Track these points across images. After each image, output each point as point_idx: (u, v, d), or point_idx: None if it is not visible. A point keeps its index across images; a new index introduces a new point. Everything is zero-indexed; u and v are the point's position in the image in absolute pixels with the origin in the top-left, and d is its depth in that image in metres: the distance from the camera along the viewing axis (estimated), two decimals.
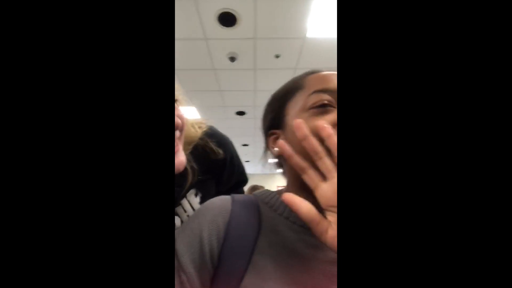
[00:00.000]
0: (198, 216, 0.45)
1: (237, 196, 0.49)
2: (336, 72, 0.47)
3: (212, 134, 0.62)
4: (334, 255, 0.41)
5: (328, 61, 2.70)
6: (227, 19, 2.14)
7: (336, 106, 0.42)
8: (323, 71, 0.49)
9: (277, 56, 2.68)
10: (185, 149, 0.53)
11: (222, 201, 0.47)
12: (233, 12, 2.08)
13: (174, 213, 0.57)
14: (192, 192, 0.60)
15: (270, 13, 2.12)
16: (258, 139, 5.18)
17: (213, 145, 0.61)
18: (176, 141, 0.48)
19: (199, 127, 0.60)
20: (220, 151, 0.62)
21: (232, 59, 2.68)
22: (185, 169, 0.53)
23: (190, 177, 0.56)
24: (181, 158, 0.48)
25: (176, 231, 0.45)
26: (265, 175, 8.18)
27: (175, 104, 0.49)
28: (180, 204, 0.59)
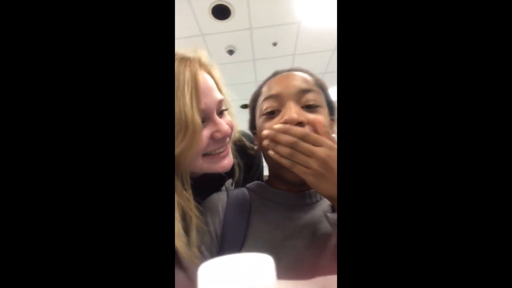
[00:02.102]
0: (202, 207, 0.53)
1: (231, 189, 0.60)
2: (288, 73, 0.56)
3: (244, 133, 0.68)
4: (311, 222, 0.50)
5: (324, 44, 2.69)
6: (221, 12, 2.15)
7: (280, 109, 0.51)
8: (280, 74, 0.58)
9: (274, 44, 2.68)
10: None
11: (219, 194, 0.57)
12: (226, 4, 2.09)
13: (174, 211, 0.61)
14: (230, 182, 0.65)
15: (263, 1, 2.11)
16: None
17: (247, 142, 0.67)
18: (226, 145, 0.53)
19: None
20: (254, 147, 0.66)
21: (231, 52, 2.69)
22: (233, 166, 0.58)
23: (237, 173, 0.62)
24: (230, 159, 0.54)
25: None
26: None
27: (225, 113, 0.54)
28: None
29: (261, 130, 0.51)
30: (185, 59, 0.49)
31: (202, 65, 0.51)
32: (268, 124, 0.51)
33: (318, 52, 2.82)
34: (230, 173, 0.59)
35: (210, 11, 2.14)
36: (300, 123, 0.47)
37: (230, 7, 2.13)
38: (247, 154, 0.66)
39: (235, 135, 0.63)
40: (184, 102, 0.44)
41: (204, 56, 0.53)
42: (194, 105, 0.45)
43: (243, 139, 0.66)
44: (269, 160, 0.53)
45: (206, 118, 0.49)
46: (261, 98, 0.55)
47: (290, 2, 2.16)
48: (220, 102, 0.51)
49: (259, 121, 0.55)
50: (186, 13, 2.12)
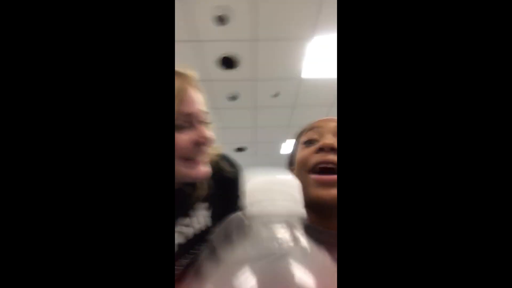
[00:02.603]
0: (222, 227, 0.54)
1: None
2: (328, 116, 0.61)
3: (225, 156, 0.70)
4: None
5: (323, 99, 2.83)
6: (229, 62, 2.29)
7: (319, 140, 0.54)
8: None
9: (276, 95, 2.81)
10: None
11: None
12: (234, 56, 2.24)
13: (175, 216, 0.60)
14: (204, 206, 0.64)
15: (268, 55, 2.27)
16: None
17: (226, 164, 0.68)
18: (203, 154, 0.56)
19: (214, 148, 0.66)
20: (233, 170, 0.68)
21: (233, 98, 2.80)
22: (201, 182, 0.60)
23: (203, 190, 0.62)
24: (206, 169, 0.57)
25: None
26: None
27: (203, 124, 0.57)
28: (193, 215, 0.62)
29: (299, 158, 0.54)
30: (178, 73, 0.55)
31: (192, 82, 0.58)
32: (305, 151, 0.53)
33: (317, 105, 2.96)
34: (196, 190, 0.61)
35: (219, 60, 2.28)
36: (334, 149, 0.49)
37: (238, 58, 2.28)
38: (223, 177, 0.67)
39: (213, 156, 0.65)
40: None
41: (195, 76, 0.59)
42: (176, 108, 0.51)
43: (222, 162, 0.68)
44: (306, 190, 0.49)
45: (189, 124, 0.54)
46: (303, 133, 0.59)
47: (293, 57, 2.32)
48: (205, 114, 0.57)
49: (298, 152, 0.57)
50: (196, 60, 2.25)
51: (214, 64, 2.31)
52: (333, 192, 0.47)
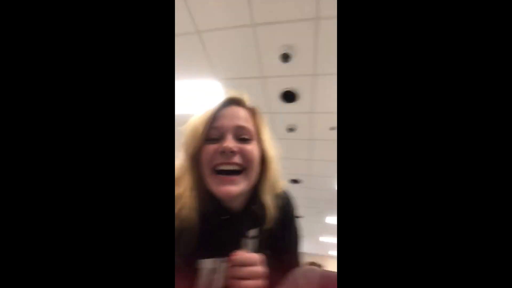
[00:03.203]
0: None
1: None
2: None
3: (281, 195, 0.63)
4: None
5: None
6: (289, 95, 2.40)
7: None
8: None
9: (332, 128, 2.80)
10: (267, 193, 0.58)
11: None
12: (294, 91, 2.35)
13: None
14: (253, 242, 0.59)
15: (326, 90, 2.32)
16: (310, 211, 4.98)
17: (271, 201, 0.62)
18: (240, 172, 0.54)
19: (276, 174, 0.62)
20: (280, 202, 0.62)
21: (291, 129, 2.89)
22: (258, 210, 0.57)
23: (258, 217, 0.57)
24: (236, 188, 0.53)
25: None
26: (316, 256, 7.11)
27: (251, 142, 0.56)
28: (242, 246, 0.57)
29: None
30: (228, 95, 0.59)
31: (241, 102, 0.59)
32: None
33: None
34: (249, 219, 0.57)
35: (280, 95, 2.42)
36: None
37: (297, 93, 2.38)
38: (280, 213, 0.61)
39: (276, 190, 0.62)
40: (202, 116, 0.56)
41: (247, 98, 0.61)
42: (206, 119, 0.55)
43: (281, 197, 0.63)
44: None
45: (220, 137, 0.55)
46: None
47: None
48: (240, 128, 0.56)
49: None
50: (259, 96, 2.43)
51: (276, 97, 2.45)
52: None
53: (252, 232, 0.59)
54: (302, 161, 3.50)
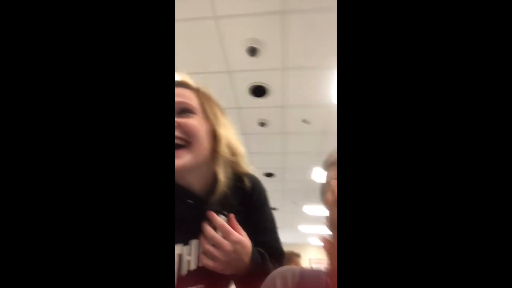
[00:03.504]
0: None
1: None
2: None
3: (250, 175, 0.65)
4: None
5: None
6: (258, 90, 2.37)
7: None
8: None
9: (304, 121, 2.83)
10: (220, 170, 0.58)
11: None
12: (264, 85, 2.32)
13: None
14: (223, 218, 0.59)
15: (297, 83, 2.33)
16: (287, 203, 5.07)
17: (249, 182, 0.63)
18: (185, 146, 0.54)
19: (234, 153, 0.63)
20: (248, 183, 0.63)
21: (262, 124, 2.87)
22: (213, 180, 0.57)
23: (215, 188, 0.57)
24: (180, 161, 0.53)
25: None
26: (296, 245, 7.22)
27: (192, 116, 0.57)
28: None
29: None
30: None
31: (183, 83, 0.61)
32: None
33: None
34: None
35: (249, 89, 2.38)
36: None
37: (268, 87, 2.36)
38: (246, 193, 0.63)
39: (239, 170, 0.63)
40: None
41: (202, 86, 0.63)
42: None
43: (246, 179, 0.64)
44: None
45: None
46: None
47: (322, 84, 2.35)
48: (180, 103, 0.57)
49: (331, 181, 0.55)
50: (227, 89, 2.37)
51: (245, 92, 2.41)
52: None
53: (222, 212, 0.59)
54: (276, 155, 3.51)
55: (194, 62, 2.12)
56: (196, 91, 0.62)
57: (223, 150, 0.59)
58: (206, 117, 0.59)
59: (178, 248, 0.55)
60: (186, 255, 0.56)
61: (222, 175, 0.58)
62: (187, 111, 0.57)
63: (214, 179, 0.58)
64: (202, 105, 0.60)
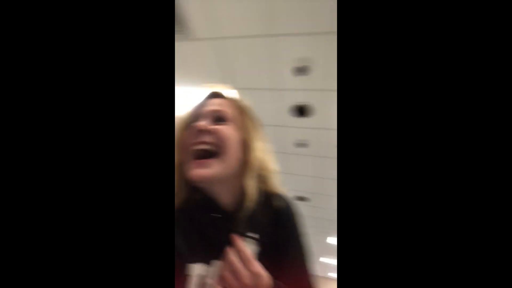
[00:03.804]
0: None
1: None
2: None
3: (283, 197, 0.60)
4: None
5: None
6: (301, 109, 2.35)
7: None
8: None
9: None
10: (250, 182, 0.54)
11: None
12: (307, 104, 2.30)
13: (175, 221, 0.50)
14: (250, 241, 0.53)
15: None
16: (313, 230, 4.84)
17: (275, 194, 0.58)
18: (214, 158, 0.52)
19: (266, 168, 0.59)
20: (279, 203, 0.58)
21: (301, 145, 2.82)
22: (242, 194, 0.53)
23: (244, 203, 0.54)
24: (204, 172, 0.50)
25: None
26: (315, 277, 7.02)
27: (227, 124, 0.56)
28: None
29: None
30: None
31: (220, 94, 0.61)
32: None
33: None
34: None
35: (291, 108, 2.37)
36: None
37: (311, 108, 2.33)
38: (278, 212, 0.57)
39: (268, 188, 0.59)
40: None
41: (237, 96, 0.63)
42: (189, 112, 0.59)
43: (278, 199, 0.59)
44: None
45: (196, 119, 0.56)
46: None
47: None
48: (215, 111, 0.57)
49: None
50: (269, 105, 2.39)
51: (288, 111, 2.40)
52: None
53: (249, 235, 0.53)
54: (308, 178, 3.41)
55: (244, 77, 2.17)
56: (233, 101, 0.62)
57: (255, 163, 0.56)
58: (240, 127, 0.58)
59: (199, 268, 0.51)
60: (207, 277, 0.51)
61: (252, 189, 0.54)
62: (221, 119, 0.56)
63: (243, 193, 0.55)
64: (237, 116, 0.59)
